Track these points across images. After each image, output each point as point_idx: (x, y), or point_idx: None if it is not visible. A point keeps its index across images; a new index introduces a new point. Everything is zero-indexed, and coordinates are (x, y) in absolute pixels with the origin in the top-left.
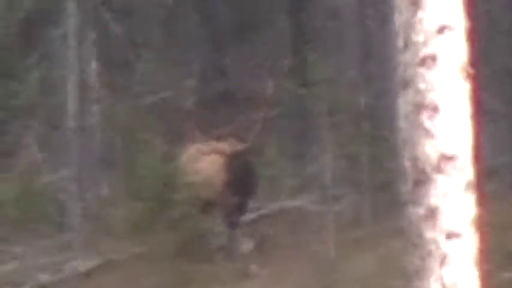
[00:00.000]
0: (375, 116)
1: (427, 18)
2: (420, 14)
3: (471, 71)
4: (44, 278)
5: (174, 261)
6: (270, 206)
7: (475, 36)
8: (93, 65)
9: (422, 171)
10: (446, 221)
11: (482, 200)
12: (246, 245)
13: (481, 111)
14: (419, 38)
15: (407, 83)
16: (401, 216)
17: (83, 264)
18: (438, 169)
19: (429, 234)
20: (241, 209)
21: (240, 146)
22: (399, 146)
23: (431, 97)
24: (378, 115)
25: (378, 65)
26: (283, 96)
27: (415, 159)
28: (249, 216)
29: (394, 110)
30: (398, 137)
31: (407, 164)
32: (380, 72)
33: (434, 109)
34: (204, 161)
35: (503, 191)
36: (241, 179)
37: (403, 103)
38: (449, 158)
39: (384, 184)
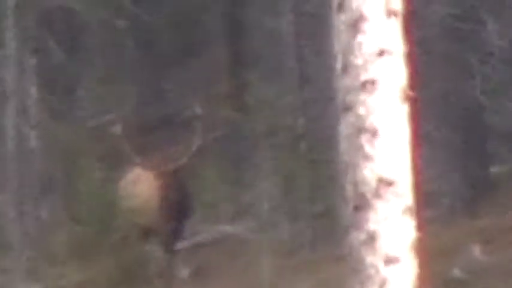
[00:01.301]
0: (313, 140)
1: (366, 43)
2: (359, 38)
3: (410, 94)
4: None
5: (115, 287)
6: (207, 232)
7: (413, 60)
8: (33, 89)
9: (362, 196)
10: (385, 245)
11: (421, 225)
12: (183, 271)
13: (420, 136)
14: (358, 61)
15: (347, 107)
16: (340, 242)
17: None
18: (377, 194)
19: (368, 259)
20: (177, 234)
21: (177, 170)
22: (338, 170)
23: (371, 121)
24: (316, 140)
25: (316, 89)
26: (221, 120)
27: (355, 184)
28: (186, 242)
29: (333, 135)
30: (338, 162)
31: (348, 188)
32: (318, 96)
33: (374, 133)
34: (142, 186)
35: (442, 217)
36: (178, 203)
37: (344, 127)
38: (388, 183)
39: (323, 210)
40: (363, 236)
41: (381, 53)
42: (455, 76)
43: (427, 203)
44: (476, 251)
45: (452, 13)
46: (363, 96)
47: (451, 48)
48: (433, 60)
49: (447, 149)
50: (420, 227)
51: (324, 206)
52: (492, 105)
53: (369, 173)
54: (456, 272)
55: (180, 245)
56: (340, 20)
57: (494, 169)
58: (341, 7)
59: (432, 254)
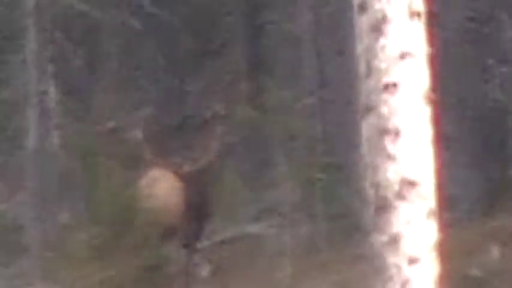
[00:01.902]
0: (331, 143)
1: (389, 45)
2: (382, 40)
3: (432, 96)
4: None
5: (135, 287)
6: (227, 232)
7: (436, 63)
8: (53, 91)
9: (384, 198)
10: (408, 247)
11: (443, 226)
12: (204, 271)
13: (442, 138)
14: (381, 64)
15: (369, 108)
16: (360, 243)
17: None
18: (400, 196)
19: (391, 259)
20: (198, 234)
21: (197, 172)
22: (358, 173)
23: (393, 122)
24: (334, 142)
25: (335, 92)
26: (240, 122)
27: (377, 186)
28: (206, 242)
29: (351, 137)
30: (359, 164)
31: (369, 190)
32: (337, 99)
33: (397, 134)
34: (162, 186)
35: (461, 218)
36: (198, 204)
37: (365, 128)
38: (411, 184)
39: (342, 212)
40: (385, 238)
41: (404, 56)
42: (474, 78)
43: (448, 206)
44: (495, 251)
45: (471, 16)
46: (385, 98)
47: (470, 50)
48: (453, 62)
49: (466, 151)
50: (442, 228)
51: (343, 208)
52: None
53: (392, 174)
54: (475, 271)
55: (200, 244)
56: (362, 22)
57: None
58: (363, 8)
59: (452, 255)
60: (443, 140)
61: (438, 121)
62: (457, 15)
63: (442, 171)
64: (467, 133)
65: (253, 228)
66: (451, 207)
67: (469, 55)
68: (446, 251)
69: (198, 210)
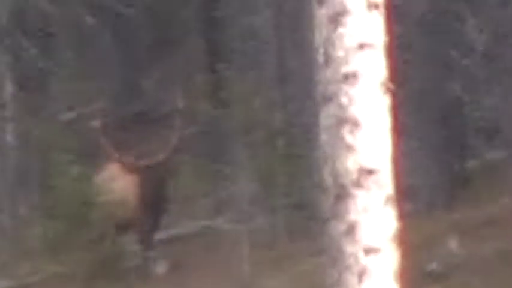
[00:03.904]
0: (292, 135)
1: (347, 35)
2: (340, 31)
3: (391, 87)
4: None
5: (90, 281)
6: (184, 226)
7: (394, 54)
8: (8, 84)
9: (343, 186)
10: (365, 236)
11: (402, 215)
12: (161, 266)
13: (400, 128)
14: (339, 54)
15: (328, 98)
16: (319, 235)
17: None
18: (358, 184)
19: (348, 249)
20: (154, 229)
21: (154, 166)
22: (317, 163)
23: (352, 112)
24: (294, 134)
25: (295, 84)
26: (198, 115)
27: (335, 175)
28: (163, 236)
29: (311, 129)
30: (318, 154)
31: (327, 179)
32: (297, 91)
33: (355, 124)
34: (119, 180)
35: (420, 210)
36: (155, 199)
37: (324, 118)
38: (369, 172)
39: (301, 202)
40: (343, 227)
41: (362, 46)
42: (435, 71)
43: (406, 196)
44: (453, 244)
45: (432, 9)
46: (344, 88)
47: (431, 42)
48: (414, 54)
49: (426, 142)
50: (400, 217)
51: (302, 199)
52: (471, 100)
53: (350, 163)
54: (434, 264)
55: (157, 239)
56: (321, 13)
57: (471, 163)
58: (322, 0)
59: (411, 246)
60: (404, 131)
61: (396, 111)
62: (419, 7)
63: (401, 161)
64: (428, 124)
65: (211, 223)
66: (410, 197)
67: (430, 47)
68: (405, 242)
69: (154, 204)
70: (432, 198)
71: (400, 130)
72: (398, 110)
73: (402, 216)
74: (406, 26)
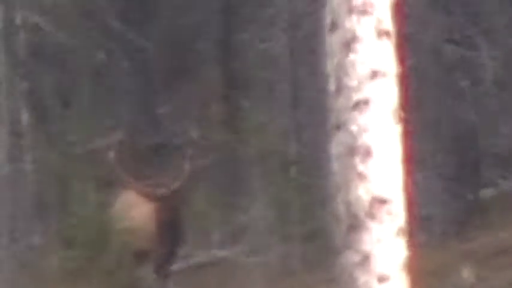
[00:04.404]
0: (305, 163)
1: (359, 63)
2: (352, 57)
3: (403, 115)
4: None
5: None
6: (199, 256)
7: (406, 82)
8: (25, 113)
9: (355, 216)
10: (378, 265)
11: (413, 244)
12: None
13: (412, 157)
14: (351, 82)
15: (340, 126)
16: (332, 265)
17: None
18: (371, 214)
19: (362, 278)
20: (170, 258)
21: (169, 195)
22: (330, 193)
23: (364, 140)
24: (307, 163)
25: (308, 112)
26: (213, 145)
27: (348, 204)
28: (179, 266)
29: (324, 157)
30: (331, 183)
31: (340, 208)
32: (310, 119)
33: (367, 152)
34: (135, 210)
35: (433, 239)
36: (171, 228)
37: (336, 146)
38: (381, 202)
39: (315, 232)
40: (357, 258)
41: (374, 74)
42: (448, 99)
43: (419, 225)
44: (466, 273)
45: (445, 37)
46: (355, 115)
47: (444, 71)
48: (427, 82)
49: (440, 171)
50: (413, 247)
51: (315, 228)
52: (484, 128)
53: (362, 192)
54: None
55: (173, 268)
56: (333, 40)
57: (485, 192)
58: (334, 26)
59: (423, 276)
60: (416, 160)
61: (409, 140)
62: (433, 36)
63: (414, 190)
64: (441, 153)
65: (226, 252)
66: (423, 227)
67: (443, 75)
68: (418, 271)
69: (170, 234)
70: (445, 227)
71: (413, 159)
72: (411, 139)
73: (415, 245)
74: (418, 56)
